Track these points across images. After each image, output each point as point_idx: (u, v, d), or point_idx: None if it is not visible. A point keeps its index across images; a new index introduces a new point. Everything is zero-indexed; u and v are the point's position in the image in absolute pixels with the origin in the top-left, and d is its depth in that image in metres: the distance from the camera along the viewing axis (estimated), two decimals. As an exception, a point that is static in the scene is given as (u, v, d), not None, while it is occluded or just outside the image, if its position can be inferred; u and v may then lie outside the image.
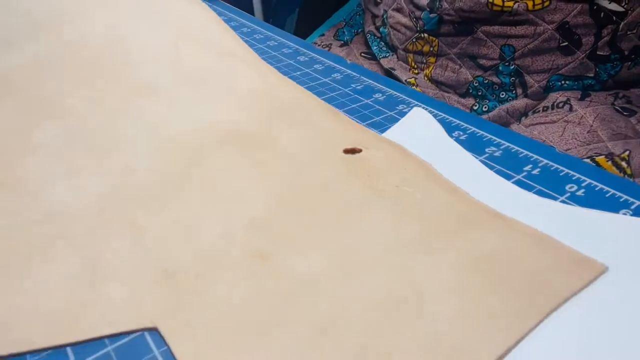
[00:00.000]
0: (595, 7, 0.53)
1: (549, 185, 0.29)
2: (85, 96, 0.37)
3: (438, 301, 0.22)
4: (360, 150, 0.31)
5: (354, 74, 0.44)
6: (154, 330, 0.21)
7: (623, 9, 0.53)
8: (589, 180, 0.29)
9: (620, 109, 0.51)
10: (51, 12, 0.46)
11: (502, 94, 0.51)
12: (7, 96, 0.37)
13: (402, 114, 0.37)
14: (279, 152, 0.31)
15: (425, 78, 0.54)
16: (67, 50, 0.42)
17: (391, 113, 0.37)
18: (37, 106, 0.36)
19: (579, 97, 0.51)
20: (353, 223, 0.26)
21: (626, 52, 0.55)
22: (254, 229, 0.26)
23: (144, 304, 0.22)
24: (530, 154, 0.32)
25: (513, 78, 0.51)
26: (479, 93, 0.51)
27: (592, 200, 0.27)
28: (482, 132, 0.35)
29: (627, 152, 0.47)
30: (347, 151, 0.31)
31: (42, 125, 0.34)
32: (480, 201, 0.27)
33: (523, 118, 0.53)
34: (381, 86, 0.42)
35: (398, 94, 0.41)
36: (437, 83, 0.53)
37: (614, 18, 0.54)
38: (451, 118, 0.36)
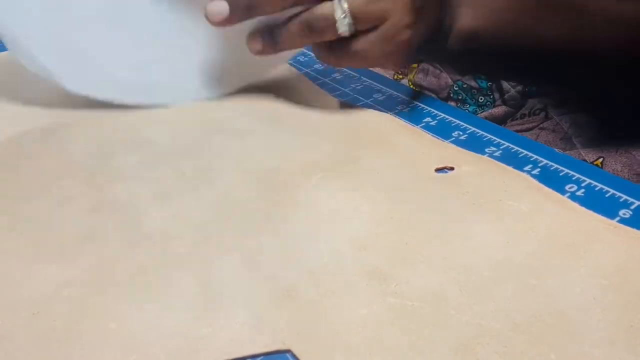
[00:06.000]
0: None
1: (548, 185, 0.29)
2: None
3: (583, 320, 0.21)
4: (452, 168, 0.30)
5: (354, 74, 0.44)
6: (285, 353, 0.21)
7: None
8: (588, 180, 0.29)
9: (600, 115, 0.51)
10: None
11: (481, 99, 0.52)
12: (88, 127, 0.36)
13: (402, 114, 0.37)
14: (369, 177, 0.30)
15: (409, 83, 0.55)
16: None
17: (390, 113, 0.37)
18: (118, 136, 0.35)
19: (556, 103, 0.52)
20: (462, 240, 0.25)
21: None
22: (363, 249, 0.25)
23: (272, 325, 0.21)
24: (530, 154, 0.32)
25: (490, 82, 0.51)
26: (460, 97, 0.52)
27: (592, 200, 0.28)
28: (482, 132, 0.35)
29: (600, 159, 0.47)
30: (438, 170, 0.30)
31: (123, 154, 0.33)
32: (592, 212, 0.26)
33: (502, 126, 0.53)
34: (381, 86, 0.42)
35: (398, 94, 0.41)
36: (421, 87, 0.53)
37: None
38: (451, 118, 0.36)
